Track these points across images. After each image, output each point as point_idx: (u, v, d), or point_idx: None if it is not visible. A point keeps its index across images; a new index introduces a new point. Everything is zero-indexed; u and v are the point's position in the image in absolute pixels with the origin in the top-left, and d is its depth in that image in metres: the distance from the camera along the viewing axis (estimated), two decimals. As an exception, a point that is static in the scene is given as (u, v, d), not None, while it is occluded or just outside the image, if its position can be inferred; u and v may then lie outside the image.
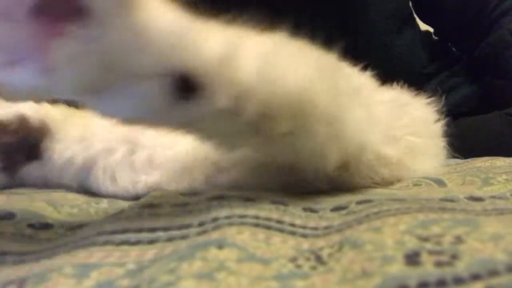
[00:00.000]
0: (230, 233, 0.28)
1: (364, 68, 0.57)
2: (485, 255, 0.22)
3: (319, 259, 0.26)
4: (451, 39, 1.02)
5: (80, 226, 0.34)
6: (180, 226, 0.31)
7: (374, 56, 0.94)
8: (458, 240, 0.24)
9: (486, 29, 0.89)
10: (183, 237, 0.29)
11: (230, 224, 0.29)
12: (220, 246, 0.26)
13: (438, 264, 0.22)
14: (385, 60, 0.92)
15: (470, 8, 0.90)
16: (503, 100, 0.85)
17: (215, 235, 0.28)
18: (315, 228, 0.32)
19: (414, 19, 1.00)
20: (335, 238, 0.29)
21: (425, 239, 0.25)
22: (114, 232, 0.30)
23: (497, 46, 0.87)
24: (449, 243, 0.24)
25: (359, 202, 0.35)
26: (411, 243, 0.24)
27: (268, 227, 0.31)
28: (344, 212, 0.35)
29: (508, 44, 0.85)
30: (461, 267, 0.21)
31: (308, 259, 0.26)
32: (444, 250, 0.23)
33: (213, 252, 0.26)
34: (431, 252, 0.23)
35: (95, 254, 0.27)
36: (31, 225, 0.34)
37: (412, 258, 0.22)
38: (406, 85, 0.93)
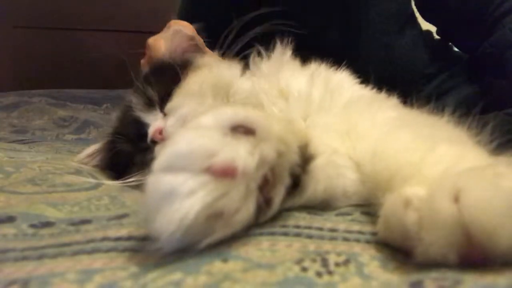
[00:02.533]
0: (235, 245, 0.28)
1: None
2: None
3: (325, 264, 0.26)
4: (453, 38, 1.01)
5: (82, 221, 0.34)
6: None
7: (376, 57, 0.95)
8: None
9: (489, 28, 0.88)
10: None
11: (234, 236, 0.29)
12: (225, 259, 0.27)
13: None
14: (387, 60, 0.92)
15: (472, 7, 0.89)
16: (503, 100, 0.85)
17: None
18: (320, 229, 0.32)
19: (415, 19, 1.00)
20: (342, 247, 0.29)
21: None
22: (118, 239, 0.30)
23: (499, 45, 0.86)
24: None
25: (363, 212, 0.36)
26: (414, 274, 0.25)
27: (272, 233, 0.31)
28: (349, 218, 0.35)
29: (510, 44, 0.85)
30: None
31: (314, 260, 0.27)
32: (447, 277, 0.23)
33: (218, 265, 0.26)
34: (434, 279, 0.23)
35: (99, 261, 0.27)
36: (33, 225, 0.33)
37: (417, 285, 0.23)
38: (408, 85, 0.94)
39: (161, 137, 0.52)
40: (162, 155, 0.27)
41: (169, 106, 0.54)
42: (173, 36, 0.63)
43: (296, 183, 0.34)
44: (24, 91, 1.33)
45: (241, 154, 0.27)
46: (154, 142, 0.53)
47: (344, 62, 0.58)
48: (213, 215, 0.26)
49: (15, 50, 1.66)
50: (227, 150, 0.27)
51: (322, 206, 0.38)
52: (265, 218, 0.31)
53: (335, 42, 0.90)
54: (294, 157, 0.33)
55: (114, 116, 0.63)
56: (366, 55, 0.91)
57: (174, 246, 0.26)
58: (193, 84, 0.55)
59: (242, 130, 0.29)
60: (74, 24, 1.69)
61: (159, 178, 0.26)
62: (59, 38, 1.69)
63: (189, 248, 0.26)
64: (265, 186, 0.30)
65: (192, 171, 0.26)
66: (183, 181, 0.26)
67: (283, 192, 0.32)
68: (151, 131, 0.53)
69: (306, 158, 0.35)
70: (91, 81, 1.52)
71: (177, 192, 0.25)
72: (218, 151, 0.27)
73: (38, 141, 0.90)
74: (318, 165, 0.37)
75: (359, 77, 0.58)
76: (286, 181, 0.32)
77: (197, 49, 0.64)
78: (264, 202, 0.31)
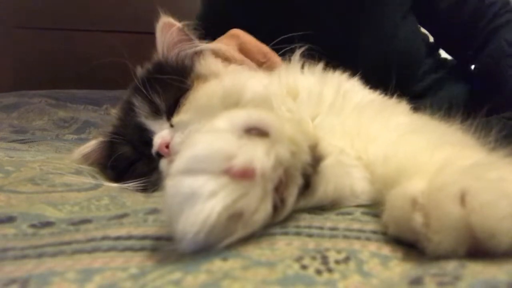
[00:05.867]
0: (234, 243, 0.28)
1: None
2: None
3: (325, 262, 0.26)
4: (448, 48, 1.03)
5: (82, 221, 0.34)
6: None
7: (376, 49, 0.95)
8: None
9: (483, 40, 0.90)
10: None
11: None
12: (225, 258, 0.27)
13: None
14: (388, 51, 0.92)
15: (463, 20, 0.91)
16: (500, 105, 0.86)
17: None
18: (321, 228, 0.32)
19: (413, 15, 1.01)
20: (342, 244, 0.29)
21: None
22: (118, 238, 0.30)
23: (494, 56, 0.89)
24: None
25: (364, 213, 0.36)
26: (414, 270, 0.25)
27: (273, 234, 0.31)
28: (349, 217, 0.35)
29: (506, 54, 0.87)
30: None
31: (314, 258, 0.27)
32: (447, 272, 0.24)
33: (217, 264, 0.26)
34: (434, 275, 0.23)
35: (99, 260, 0.27)
36: (33, 225, 0.33)
37: (416, 281, 0.23)
38: (406, 80, 0.94)
39: (167, 152, 0.52)
40: (180, 158, 0.27)
41: (177, 119, 0.54)
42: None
43: (308, 183, 0.34)
44: (24, 91, 1.33)
45: (259, 155, 0.28)
46: (159, 155, 0.52)
47: (351, 62, 0.58)
48: (233, 216, 0.27)
49: (15, 50, 1.66)
50: (244, 152, 0.28)
51: (331, 206, 0.38)
52: (280, 218, 0.32)
53: (335, 35, 0.90)
54: (305, 157, 0.34)
55: (113, 114, 0.63)
56: (368, 47, 0.92)
57: (197, 246, 0.26)
58: (202, 98, 0.55)
59: (256, 132, 0.30)
60: (74, 24, 1.68)
61: (179, 181, 0.27)
62: (59, 38, 1.69)
63: (210, 248, 0.27)
64: (280, 186, 0.31)
65: (212, 173, 0.27)
66: (203, 183, 0.26)
67: (296, 192, 0.33)
68: (157, 143, 0.52)
69: (316, 158, 0.36)
70: (91, 81, 1.52)
71: (199, 194, 0.26)
72: (236, 153, 0.27)
73: (38, 140, 0.90)
74: (328, 165, 0.37)
75: (359, 70, 0.59)
76: (298, 181, 0.33)
77: (189, 40, 0.63)
78: (280, 202, 0.31)
